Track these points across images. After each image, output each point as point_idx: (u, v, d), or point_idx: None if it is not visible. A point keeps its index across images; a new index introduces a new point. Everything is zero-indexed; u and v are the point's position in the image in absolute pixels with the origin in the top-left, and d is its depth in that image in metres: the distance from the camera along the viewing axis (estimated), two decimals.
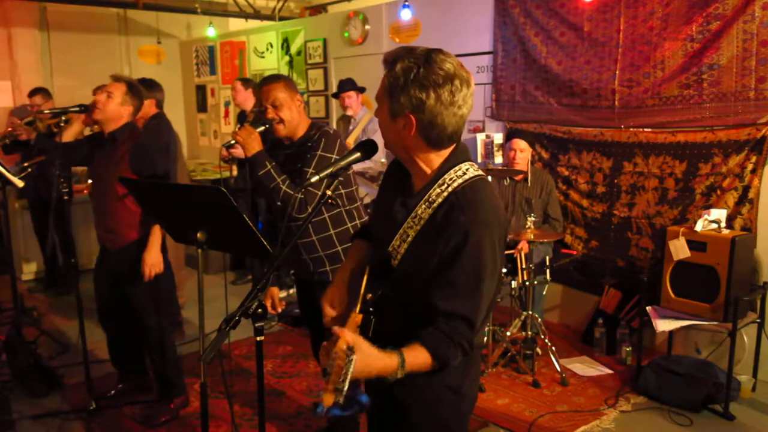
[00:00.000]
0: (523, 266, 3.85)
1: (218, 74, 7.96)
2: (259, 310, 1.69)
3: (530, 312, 3.92)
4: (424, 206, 1.53)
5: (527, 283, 3.85)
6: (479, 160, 4.91)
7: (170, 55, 8.28)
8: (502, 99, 4.98)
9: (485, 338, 3.85)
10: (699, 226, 3.56)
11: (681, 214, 4.03)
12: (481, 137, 4.94)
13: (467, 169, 1.55)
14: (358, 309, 1.56)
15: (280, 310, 2.86)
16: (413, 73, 1.45)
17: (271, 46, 7.16)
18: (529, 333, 3.93)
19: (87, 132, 3.82)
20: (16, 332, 3.91)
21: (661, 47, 4.02)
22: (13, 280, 4.14)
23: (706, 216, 3.58)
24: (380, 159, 5.05)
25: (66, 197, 3.41)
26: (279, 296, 2.89)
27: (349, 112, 5.21)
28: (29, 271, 6.23)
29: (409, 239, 1.54)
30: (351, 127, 5.18)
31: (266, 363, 4.07)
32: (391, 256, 1.57)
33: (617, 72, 4.25)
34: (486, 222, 1.47)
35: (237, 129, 2.74)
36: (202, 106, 8.37)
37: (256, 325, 1.78)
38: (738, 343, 3.49)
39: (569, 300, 4.73)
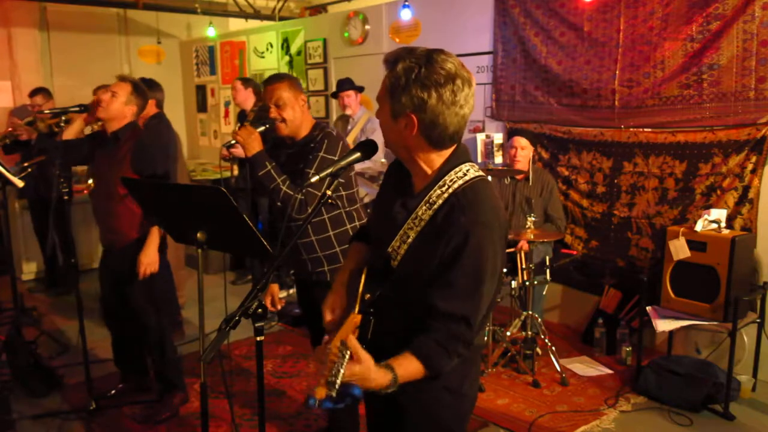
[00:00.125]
0: (523, 266, 3.85)
1: (218, 74, 7.96)
2: (259, 310, 1.69)
3: (530, 312, 3.92)
4: (424, 207, 1.53)
5: (527, 283, 3.85)
6: (479, 160, 4.91)
7: (170, 55, 8.28)
8: (502, 99, 4.98)
9: (485, 338, 3.85)
10: (699, 226, 3.56)
11: (681, 214, 4.04)
12: (481, 137, 4.94)
13: (468, 170, 1.55)
14: (356, 310, 1.56)
15: (279, 307, 2.86)
16: (415, 73, 1.45)
17: (271, 46, 7.16)
18: (529, 333, 3.93)
19: (87, 131, 3.81)
20: (16, 332, 3.91)
21: (661, 47, 4.02)
22: (13, 280, 4.14)
23: (706, 216, 3.58)
24: (380, 159, 5.05)
25: (66, 197, 3.41)
26: (279, 295, 2.89)
27: (348, 112, 5.21)
28: (29, 271, 6.23)
29: (409, 240, 1.54)
30: (349, 127, 5.18)
31: (266, 363, 4.07)
32: (390, 257, 1.57)
33: (617, 72, 4.25)
34: (487, 223, 1.47)
35: (237, 129, 2.74)
36: (202, 106, 8.37)
37: (256, 325, 1.78)
38: (738, 343, 3.49)
39: (569, 300, 4.73)
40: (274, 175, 2.62)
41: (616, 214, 4.38)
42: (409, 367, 1.45)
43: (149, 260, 3.19)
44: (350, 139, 5.03)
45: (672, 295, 3.65)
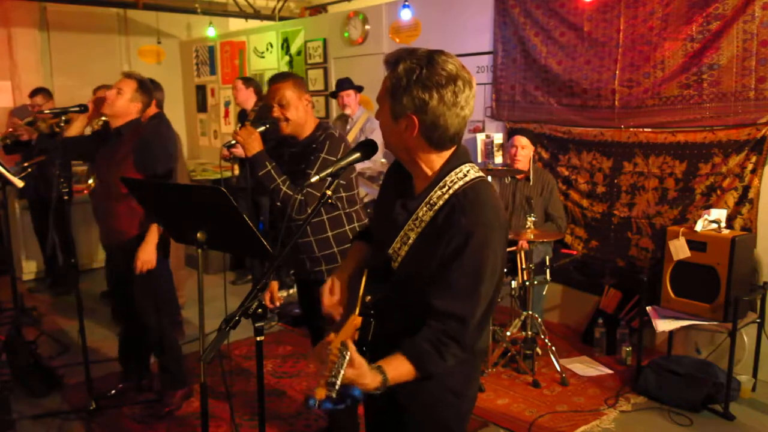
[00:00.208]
0: (523, 266, 3.85)
1: (218, 74, 7.96)
2: (259, 310, 1.69)
3: (530, 312, 3.92)
4: (425, 209, 1.53)
5: (527, 283, 3.85)
6: (479, 160, 4.91)
7: (170, 55, 8.28)
8: (502, 99, 4.98)
9: (489, 341, 3.84)
10: (699, 226, 3.56)
11: (681, 214, 4.04)
12: (481, 137, 4.94)
13: (468, 171, 1.55)
14: (357, 311, 1.56)
15: (278, 303, 2.86)
16: (416, 74, 1.45)
17: (271, 46, 7.16)
18: (529, 333, 3.93)
19: (88, 131, 3.82)
20: (16, 332, 3.91)
21: (661, 47, 4.02)
22: (13, 280, 4.13)
23: (706, 216, 3.58)
24: (380, 159, 5.06)
25: (66, 197, 3.41)
26: (279, 294, 2.90)
27: (347, 111, 5.21)
28: (29, 271, 6.23)
29: (410, 242, 1.54)
30: (348, 127, 5.18)
31: (266, 363, 4.07)
32: (391, 259, 1.57)
33: (617, 72, 4.25)
34: (488, 223, 1.47)
35: (238, 128, 2.75)
36: (202, 106, 8.37)
37: (256, 325, 1.78)
38: (738, 343, 3.49)
39: (569, 300, 4.73)
40: (274, 176, 2.62)
41: (616, 214, 4.38)
42: (399, 368, 1.45)
43: (146, 257, 3.19)
44: (349, 139, 5.02)
45: (672, 295, 3.65)
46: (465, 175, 1.54)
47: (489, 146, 4.90)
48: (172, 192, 2.62)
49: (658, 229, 4.12)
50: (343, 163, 1.68)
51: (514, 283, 3.84)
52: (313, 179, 1.68)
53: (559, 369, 3.83)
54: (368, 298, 1.57)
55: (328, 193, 1.69)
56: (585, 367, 4.02)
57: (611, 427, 3.32)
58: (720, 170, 3.84)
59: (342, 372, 1.29)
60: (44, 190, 5.32)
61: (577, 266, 4.60)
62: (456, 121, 1.49)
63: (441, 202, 1.51)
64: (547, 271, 3.95)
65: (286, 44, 6.97)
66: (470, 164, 1.58)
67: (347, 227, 2.76)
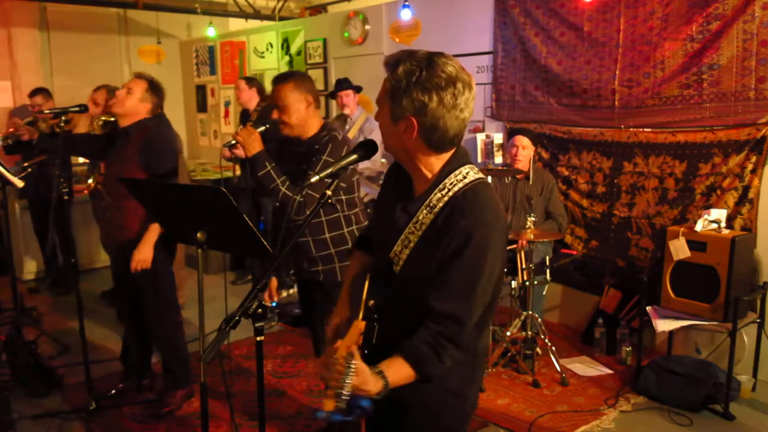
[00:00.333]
0: (523, 266, 3.85)
1: (218, 74, 7.96)
2: (259, 310, 1.69)
3: (530, 312, 3.92)
4: (425, 211, 1.53)
5: (527, 283, 3.85)
6: (479, 160, 4.91)
7: (170, 55, 8.28)
8: (502, 99, 4.98)
9: (489, 341, 3.84)
10: (699, 226, 3.56)
11: (681, 214, 4.04)
12: (481, 137, 4.94)
13: (468, 173, 1.55)
14: (360, 316, 1.56)
15: (276, 298, 2.87)
16: (416, 76, 1.45)
17: (271, 46, 7.16)
18: (529, 333, 3.93)
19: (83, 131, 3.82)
20: (16, 332, 3.91)
21: (661, 47, 4.02)
22: (13, 280, 4.14)
23: (706, 216, 3.58)
24: (380, 159, 5.06)
25: (66, 197, 3.42)
26: (281, 293, 2.90)
27: (346, 111, 5.22)
28: (29, 271, 6.23)
29: (411, 245, 1.54)
30: (347, 127, 5.19)
31: (266, 363, 4.07)
32: (392, 262, 1.57)
33: (617, 72, 4.25)
34: (487, 225, 1.47)
35: (239, 129, 2.75)
36: (202, 106, 8.37)
37: (256, 325, 1.78)
38: (738, 343, 3.49)
39: (569, 300, 4.73)
40: (274, 176, 2.62)
41: (616, 214, 4.38)
42: (399, 371, 1.46)
43: (142, 257, 3.19)
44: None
45: (672, 295, 3.65)
46: (464, 177, 1.53)
47: (489, 146, 4.90)
48: (172, 192, 2.62)
49: (658, 229, 4.12)
50: (343, 163, 1.68)
51: (514, 283, 3.84)
52: (313, 179, 1.68)
53: (559, 369, 3.83)
54: (371, 302, 1.57)
55: (328, 193, 1.69)
56: (585, 367, 4.02)
57: (611, 427, 3.32)
58: (720, 170, 3.84)
59: (349, 382, 1.28)
60: (44, 190, 5.32)
61: (577, 266, 4.60)
62: (455, 123, 1.49)
63: (441, 205, 1.51)
64: (547, 271, 3.95)
65: (286, 44, 6.97)
66: (470, 166, 1.58)
67: (345, 230, 2.76)
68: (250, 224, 2.22)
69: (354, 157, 1.68)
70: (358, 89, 5.25)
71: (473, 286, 1.47)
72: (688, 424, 3.34)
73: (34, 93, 5.48)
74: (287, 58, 6.98)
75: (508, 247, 3.45)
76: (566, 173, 4.63)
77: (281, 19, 7.56)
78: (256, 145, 2.65)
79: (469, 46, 5.09)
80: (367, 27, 5.99)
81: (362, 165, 4.85)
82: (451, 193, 1.51)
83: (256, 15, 7.55)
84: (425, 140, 1.51)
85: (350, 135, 5.11)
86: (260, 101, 5.40)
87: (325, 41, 6.47)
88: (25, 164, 4.73)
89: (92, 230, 6.00)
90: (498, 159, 4.88)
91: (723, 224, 3.56)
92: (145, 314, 3.41)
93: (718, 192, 3.86)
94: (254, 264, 5.64)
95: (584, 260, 4.57)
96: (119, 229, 3.33)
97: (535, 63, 4.70)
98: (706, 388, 3.41)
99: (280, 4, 7.60)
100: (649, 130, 4.14)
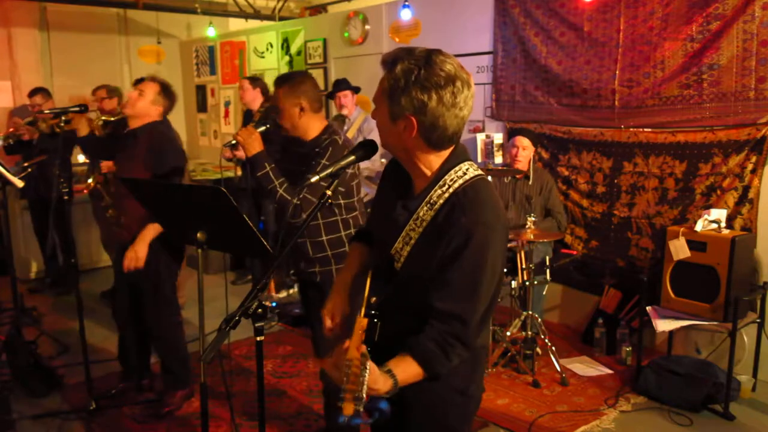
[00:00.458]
0: (523, 266, 3.85)
1: (218, 74, 7.96)
2: (259, 310, 1.69)
3: (530, 312, 3.92)
4: (425, 208, 1.53)
5: (527, 283, 3.85)
6: (479, 160, 4.91)
7: (170, 55, 8.28)
8: (502, 99, 4.98)
9: (489, 338, 3.85)
10: (699, 226, 3.56)
11: (681, 214, 4.04)
12: (481, 137, 4.94)
13: (467, 169, 1.55)
14: (362, 313, 1.56)
15: (274, 294, 2.88)
16: (414, 75, 1.44)
17: (271, 46, 7.16)
18: (529, 333, 3.93)
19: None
20: (16, 332, 3.91)
21: (661, 47, 4.02)
22: (13, 280, 4.14)
23: (706, 216, 3.58)
24: (379, 159, 5.06)
25: (66, 197, 3.42)
26: (279, 294, 2.91)
27: (344, 112, 5.21)
28: (29, 271, 6.23)
29: (412, 242, 1.54)
30: (346, 127, 5.19)
31: (266, 363, 4.07)
32: (393, 259, 1.57)
33: (617, 72, 4.25)
34: (488, 223, 1.47)
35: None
36: (202, 106, 8.37)
37: (256, 325, 1.78)
38: (738, 343, 3.49)
39: (569, 300, 4.73)
40: (272, 177, 2.62)
41: (616, 214, 4.38)
42: (408, 369, 1.46)
43: (134, 255, 3.16)
44: None
45: (672, 295, 3.65)
46: (464, 174, 1.54)
47: (489, 146, 4.90)
48: (172, 192, 2.62)
49: (658, 229, 4.12)
50: (343, 163, 1.68)
51: (514, 283, 3.84)
52: (313, 179, 1.68)
53: (559, 369, 3.83)
54: (373, 299, 1.57)
55: (328, 192, 1.69)
56: (585, 367, 4.02)
57: (611, 427, 3.32)
58: (720, 170, 3.84)
59: (366, 384, 1.27)
60: (44, 190, 5.32)
61: (577, 266, 4.60)
62: (455, 121, 1.49)
63: (441, 201, 1.51)
64: (547, 271, 3.95)
65: (286, 44, 6.97)
66: (469, 162, 1.57)
67: (343, 233, 2.76)
68: (250, 224, 2.22)
69: (353, 157, 1.68)
70: (356, 90, 5.25)
71: (475, 286, 1.47)
72: (688, 424, 3.34)
73: (33, 93, 5.49)
74: (287, 58, 6.98)
75: (508, 245, 3.46)
76: (566, 173, 4.63)
77: (281, 19, 7.56)
78: (256, 146, 2.65)
79: (469, 46, 5.09)
80: (367, 27, 5.99)
81: (362, 165, 4.85)
82: (451, 190, 1.51)
83: (256, 15, 7.55)
84: (425, 139, 1.50)
85: (349, 135, 5.11)
86: (264, 101, 5.38)
87: (325, 41, 6.47)
88: (25, 164, 4.73)
89: (92, 230, 6.01)
90: (498, 159, 4.88)
91: (723, 224, 3.56)
92: (145, 314, 3.42)
93: (718, 192, 3.86)
94: (254, 264, 5.64)
95: (584, 260, 4.57)
96: (125, 229, 3.32)
97: (535, 63, 4.70)
98: (706, 388, 3.41)
99: (280, 4, 7.60)
100: (649, 130, 4.14)
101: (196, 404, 3.48)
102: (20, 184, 3.89)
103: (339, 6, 7.17)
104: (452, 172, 1.54)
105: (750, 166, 3.72)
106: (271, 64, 7.18)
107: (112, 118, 4.46)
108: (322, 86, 6.58)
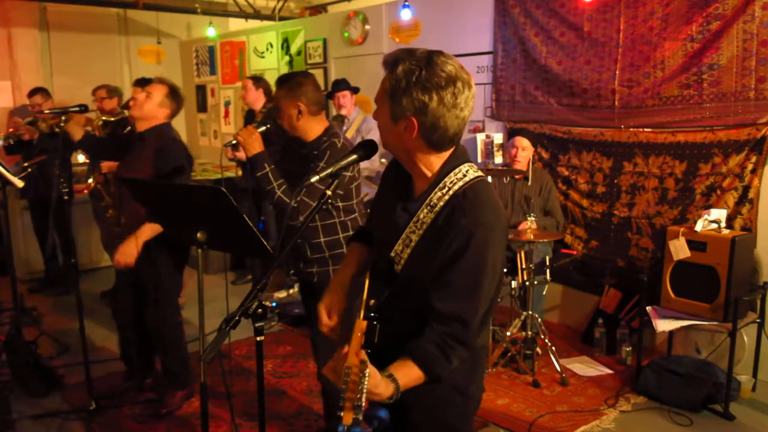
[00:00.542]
0: (523, 266, 3.85)
1: (218, 74, 7.95)
2: (259, 310, 1.69)
3: (530, 312, 3.92)
4: (425, 210, 1.53)
5: (527, 283, 3.85)
6: (479, 160, 4.91)
7: (170, 55, 8.28)
8: (502, 99, 4.98)
9: (489, 338, 3.85)
10: (699, 226, 3.56)
11: (681, 214, 4.04)
12: (481, 137, 4.94)
13: (467, 171, 1.55)
14: (362, 315, 1.55)
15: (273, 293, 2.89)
16: (415, 76, 1.44)
17: (271, 46, 7.16)
18: (529, 333, 3.93)
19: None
20: (16, 332, 3.91)
21: (661, 47, 4.02)
22: (13, 280, 4.13)
23: (706, 216, 3.58)
24: (379, 159, 5.06)
25: (66, 197, 3.41)
26: (279, 294, 2.91)
27: (343, 112, 5.21)
28: (29, 271, 6.23)
29: (413, 244, 1.54)
30: (345, 128, 5.18)
31: (266, 363, 4.07)
32: (393, 261, 1.57)
33: (617, 72, 4.25)
34: (488, 224, 1.47)
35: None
36: (202, 106, 8.37)
37: (256, 325, 1.78)
38: (738, 343, 3.49)
39: (569, 300, 4.73)
40: (271, 178, 2.62)
41: (616, 214, 4.38)
42: (409, 373, 1.46)
43: (125, 251, 3.15)
44: None
45: (672, 295, 3.65)
46: (464, 175, 1.54)
47: (489, 146, 4.90)
48: (172, 192, 2.62)
49: (658, 229, 4.12)
50: (343, 163, 1.68)
51: (514, 283, 3.84)
52: (313, 179, 1.68)
53: (559, 369, 3.83)
54: (372, 301, 1.57)
55: (329, 192, 1.69)
56: (585, 367, 4.02)
57: (611, 427, 3.32)
58: (720, 170, 3.84)
59: (365, 392, 1.27)
60: (44, 190, 5.32)
61: (577, 266, 4.60)
62: (456, 122, 1.49)
63: (441, 204, 1.51)
64: (547, 271, 3.95)
65: (286, 44, 6.97)
66: (469, 164, 1.58)
67: (341, 235, 2.76)
68: (250, 224, 2.22)
69: (354, 157, 1.68)
70: (355, 90, 5.25)
71: (476, 286, 1.47)
72: (688, 424, 3.34)
73: (32, 93, 5.49)
74: (287, 58, 6.98)
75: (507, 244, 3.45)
76: (566, 173, 4.63)
77: (281, 19, 7.56)
78: (256, 146, 2.65)
79: (469, 46, 5.09)
80: (367, 27, 5.99)
81: (361, 165, 4.84)
82: (451, 192, 1.51)
83: (256, 15, 7.55)
84: (425, 139, 1.51)
85: (347, 135, 5.11)
86: (266, 102, 5.37)
87: (325, 41, 6.47)
88: (25, 164, 4.73)
89: (92, 230, 6.00)
90: (498, 159, 4.88)
91: (723, 224, 3.56)
92: (146, 314, 3.42)
93: (718, 192, 3.86)
94: (254, 264, 5.64)
95: (584, 260, 4.57)
96: (131, 229, 3.32)
97: (535, 63, 4.70)
98: (706, 388, 3.41)
99: (280, 4, 7.60)
100: (649, 130, 4.14)
101: (196, 404, 3.48)
102: (20, 184, 3.89)
103: (339, 6, 7.17)
104: (452, 174, 1.54)
105: (750, 166, 3.72)
106: (271, 64, 7.17)
107: (112, 118, 4.47)
108: (322, 86, 6.57)
